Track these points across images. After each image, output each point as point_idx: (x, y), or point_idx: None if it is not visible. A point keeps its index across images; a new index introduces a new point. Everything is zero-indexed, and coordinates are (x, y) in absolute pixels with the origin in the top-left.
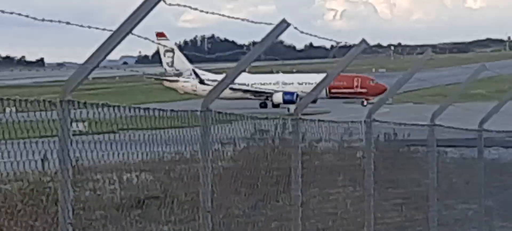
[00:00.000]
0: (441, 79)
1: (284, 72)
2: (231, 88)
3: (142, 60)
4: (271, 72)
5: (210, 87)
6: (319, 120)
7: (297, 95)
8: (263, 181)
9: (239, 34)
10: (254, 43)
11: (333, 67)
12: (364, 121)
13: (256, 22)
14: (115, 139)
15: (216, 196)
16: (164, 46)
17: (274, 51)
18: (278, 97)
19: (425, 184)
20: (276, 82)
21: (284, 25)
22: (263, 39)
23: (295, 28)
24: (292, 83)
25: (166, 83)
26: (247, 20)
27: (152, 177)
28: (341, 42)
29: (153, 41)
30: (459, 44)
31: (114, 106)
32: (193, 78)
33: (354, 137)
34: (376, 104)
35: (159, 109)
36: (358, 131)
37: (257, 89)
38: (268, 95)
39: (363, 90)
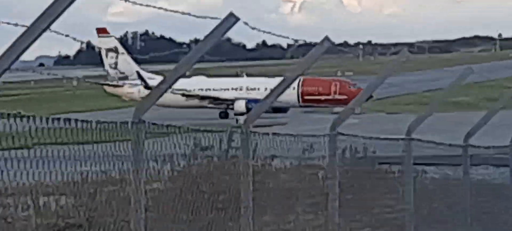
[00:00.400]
0: (419, 85)
1: (248, 75)
2: (185, 95)
3: (62, 61)
4: (236, 75)
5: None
6: (273, 133)
7: None
8: (207, 206)
9: (178, 31)
10: (196, 41)
11: (291, 70)
12: (328, 135)
13: (198, 17)
14: (30, 155)
15: (151, 224)
16: (107, 49)
17: (220, 51)
18: (240, 106)
19: (401, 210)
20: (239, 87)
21: (232, 19)
22: (207, 36)
23: (245, 23)
24: (258, 89)
25: (109, 89)
26: (189, 14)
27: (74, 201)
28: (300, 40)
29: (75, 39)
30: (441, 43)
31: (28, 117)
32: (141, 83)
33: (316, 153)
34: (342, 114)
35: (82, 121)
36: (321, 147)
37: (215, 96)
38: (229, 103)
39: (342, 97)
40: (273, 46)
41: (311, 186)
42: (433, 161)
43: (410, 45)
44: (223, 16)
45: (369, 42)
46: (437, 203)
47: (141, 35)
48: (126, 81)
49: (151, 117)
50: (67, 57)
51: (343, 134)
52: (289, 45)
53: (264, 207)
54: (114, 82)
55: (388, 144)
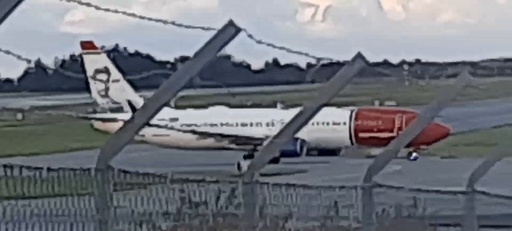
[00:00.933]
0: (486, 119)
1: (285, 105)
2: (195, 133)
3: (2, 85)
4: (273, 106)
5: (165, 131)
6: (287, 185)
7: (304, 142)
8: None
9: (159, 46)
10: (183, 59)
11: (311, 98)
12: (361, 187)
13: (186, 27)
14: None
15: None
16: (95, 70)
17: (217, 72)
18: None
19: None
20: (272, 122)
21: (231, 30)
22: (198, 53)
23: (250, 36)
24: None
25: (97, 124)
26: (172, 23)
27: None
28: (324, 58)
29: (20, 57)
30: None
31: None
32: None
33: (344, 211)
34: (380, 158)
35: (28, 167)
36: (352, 202)
37: (237, 133)
38: (258, 142)
39: None
40: (288, 66)
41: None
42: (505, 222)
43: (473, 64)
44: (219, 26)
45: (418, 61)
46: None
47: (109, 51)
48: (119, 115)
49: (143, 161)
50: (8, 80)
51: (382, 185)
52: (309, 65)
53: None
54: (100, 115)
55: (444, 198)
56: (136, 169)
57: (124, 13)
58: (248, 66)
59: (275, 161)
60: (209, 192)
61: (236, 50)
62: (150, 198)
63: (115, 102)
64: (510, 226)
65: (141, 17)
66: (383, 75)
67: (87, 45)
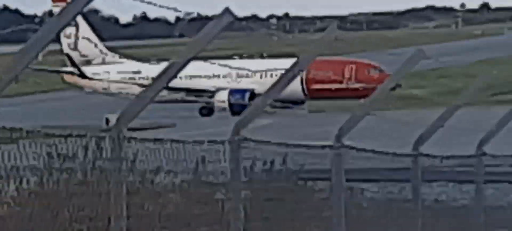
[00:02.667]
0: None
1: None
2: (143, 85)
3: None
4: (231, 57)
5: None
6: (155, 139)
7: (252, 93)
8: None
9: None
10: (51, 13)
11: (179, 53)
12: (228, 141)
13: None
14: None
15: None
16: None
17: None
18: (221, 99)
19: None
20: (229, 74)
21: None
22: (64, 9)
23: None
24: (251, 75)
25: (67, 78)
26: None
27: None
28: (192, 12)
29: None
30: (383, 16)
31: None
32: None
33: (214, 166)
34: (248, 113)
35: None
36: (220, 157)
37: (194, 87)
38: (210, 95)
39: (359, 85)
40: (157, 20)
41: (208, 212)
42: (372, 176)
43: (341, 18)
44: None
45: (286, 15)
46: None
47: None
48: (89, 67)
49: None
50: None
51: (250, 140)
52: (178, 19)
53: None
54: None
55: (313, 153)
56: (3, 124)
57: None
58: (116, 20)
59: (209, 113)
60: (77, 147)
61: (104, 4)
62: (16, 153)
63: (83, 56)
64: (377, 180)
65: None
66: (251, 30)
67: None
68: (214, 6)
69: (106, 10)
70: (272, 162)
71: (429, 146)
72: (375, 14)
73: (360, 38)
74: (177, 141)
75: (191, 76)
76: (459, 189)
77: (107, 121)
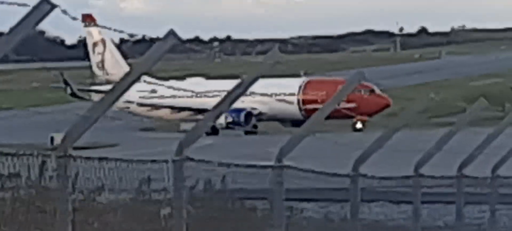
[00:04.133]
0: None
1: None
2: (142, 105)
3: None
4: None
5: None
6: (99, 158)
7: (249, 114)
8: None
9: None
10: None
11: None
12: (172, 160)
13: (1, 2)
14: None
15: None
16: (93, 43)
17: (31, 48)
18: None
19: None
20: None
21: (46, 7)
22: (12, 29)
23: (64, 11)
24: (253, 95)
25: (96, 97)
26: None
27: None
28: (136, 34)
29: None
30: (323, 39)
31: None
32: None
33: (157, 184)
34: (192, 133)
35: None
36: (164, 176)
37: (189, 106)
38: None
39: (351, 105)
40: None
41: (151, 229)
42: (312, 196)
43: (282, 41)
44: (35, 2)
45: (228, 37)
46: None
47: None
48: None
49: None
50: None
51: (193, 159)
52: (122, 41)
53: None
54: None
55: (251, 172)
56: None
57: None
58: (62, 42)
59: (214, 132)
60: (22, 165)
61: (50, 26)
62: None
63: (109, 74)
64: (316, 199)
65: None
66: (195, 51)
67: (87, 17)
68: (159, 28)
69: (52, 31)
70: (209, 182)
71: (368, 166)
72: (315, 37)
73: (301, 61)
74: (122, 160)
75: (195, 95)
76: (397, 209)
77: (52, 140)
